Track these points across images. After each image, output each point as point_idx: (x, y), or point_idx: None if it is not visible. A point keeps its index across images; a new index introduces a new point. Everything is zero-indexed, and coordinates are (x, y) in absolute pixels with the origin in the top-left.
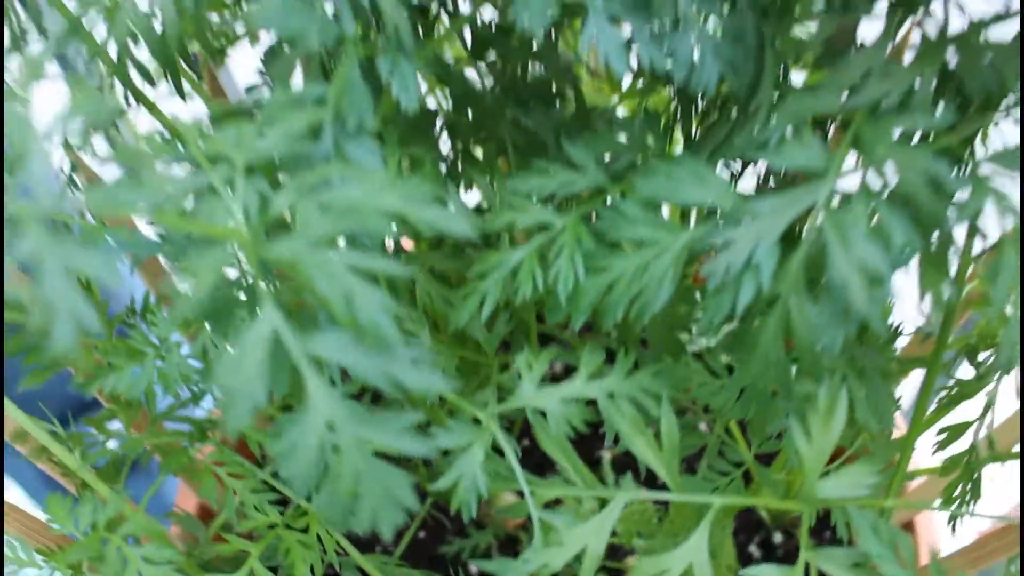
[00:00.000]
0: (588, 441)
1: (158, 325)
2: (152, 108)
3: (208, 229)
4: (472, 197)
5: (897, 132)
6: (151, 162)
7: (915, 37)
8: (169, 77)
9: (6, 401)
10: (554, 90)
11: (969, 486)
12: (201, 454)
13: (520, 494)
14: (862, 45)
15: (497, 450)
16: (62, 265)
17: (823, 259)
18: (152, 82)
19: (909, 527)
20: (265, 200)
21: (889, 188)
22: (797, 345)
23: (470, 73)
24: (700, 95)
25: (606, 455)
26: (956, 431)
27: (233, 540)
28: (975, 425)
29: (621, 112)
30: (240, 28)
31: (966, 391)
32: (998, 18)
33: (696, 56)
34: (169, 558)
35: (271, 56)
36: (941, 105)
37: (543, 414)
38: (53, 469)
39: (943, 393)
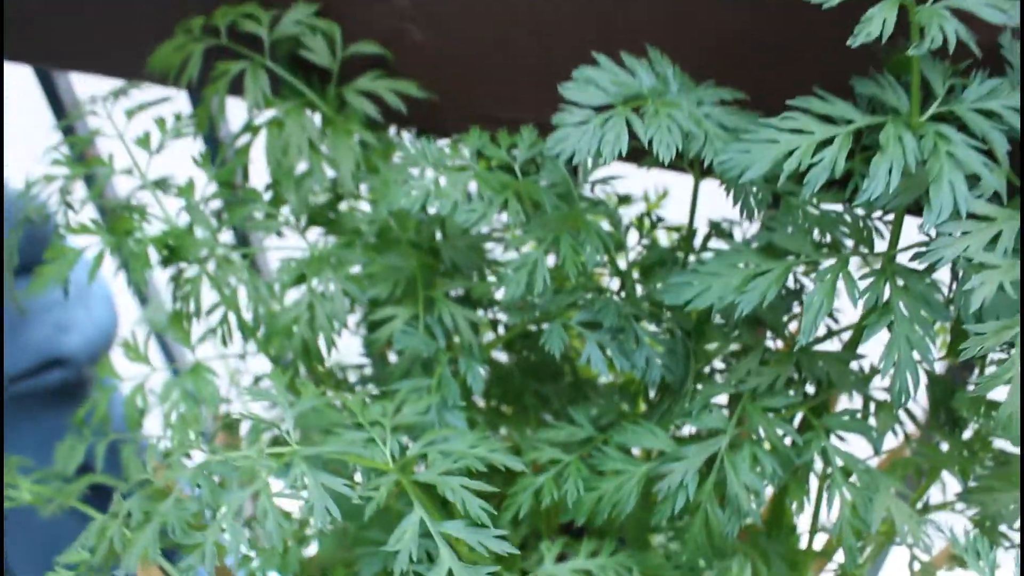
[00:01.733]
0: None
1: None
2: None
3: (376, 464)
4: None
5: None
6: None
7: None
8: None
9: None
10: (558, 367)
11: None
12: None
13: None
14: (747, 352)
15: None
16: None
17: (725, 481)
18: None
19: None
20: (404, 448)
21: (762, 439)
22: (712, 533)
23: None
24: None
25: None
26: None
27: None
28: None
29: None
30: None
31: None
32: (830, 333)
33: (647, 362)
34: None
35: (376, 356)
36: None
37: None
38: None
39: None
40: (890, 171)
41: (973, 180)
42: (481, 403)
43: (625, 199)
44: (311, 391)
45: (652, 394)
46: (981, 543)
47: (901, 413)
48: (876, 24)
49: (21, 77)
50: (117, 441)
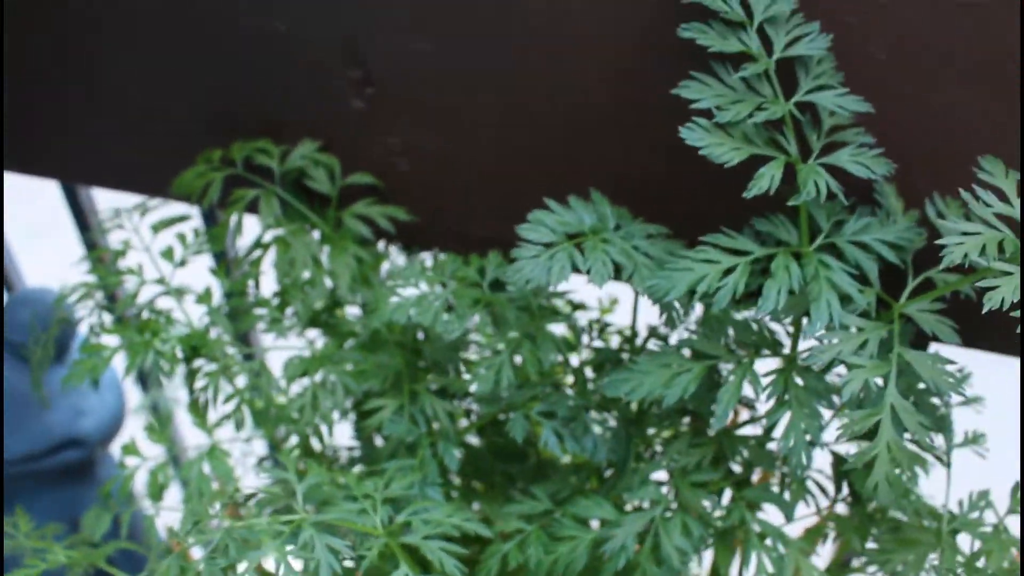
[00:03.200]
0: None
1: None
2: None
3: (368, 530)
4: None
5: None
6: (340, 501)
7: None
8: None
9: None
10: (521, 450)
11: None
12: None
13: None
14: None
15: None
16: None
17: (659, 544)
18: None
19: None
20: (392, 517)
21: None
22: None
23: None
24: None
25: None
26: None
27: None
28: None
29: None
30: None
31: None
32: (749, 420)
33: (594, 445)
34: None
35: (364, 439)
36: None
37: None
38: None
39: None
40: (779, 292)
41: (848, 299)
42: (457, 481)
43: (580, 306)
44: (316, 468)
45: (605, 473)
46: None
47: (816, 487)
48: (766, 180)
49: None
50: (136, 512)
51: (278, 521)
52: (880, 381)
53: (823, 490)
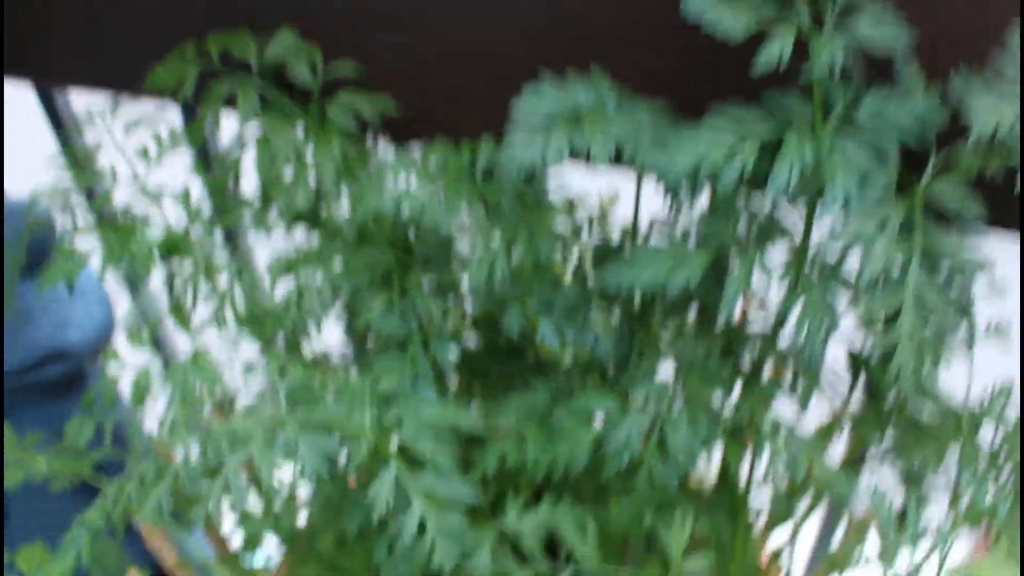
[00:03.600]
0: None
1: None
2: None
3: (357, 430)
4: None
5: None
6: (324, 395)
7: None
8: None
9: None
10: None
11: None
12: None
13: None
14: (684, 332)
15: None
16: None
17: (666, 440)
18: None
19: None
20: (382, 414)
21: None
22: (656, 486)
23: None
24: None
25: None
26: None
27: None
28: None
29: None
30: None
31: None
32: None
33: (595, 339)
34: None
35: (356, 339)
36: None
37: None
38: None
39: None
40: (791, 169)
41: (866, 179)
42: (455, 383)
43: (579, 201)
44: (299, 368)
45: (607, 372)
46: (912, 504)
47: (831, 386)
48: (776, 49)
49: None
50: (121, 420)
51: (260, 421)
52: (901, 263)
53: (837, 390)
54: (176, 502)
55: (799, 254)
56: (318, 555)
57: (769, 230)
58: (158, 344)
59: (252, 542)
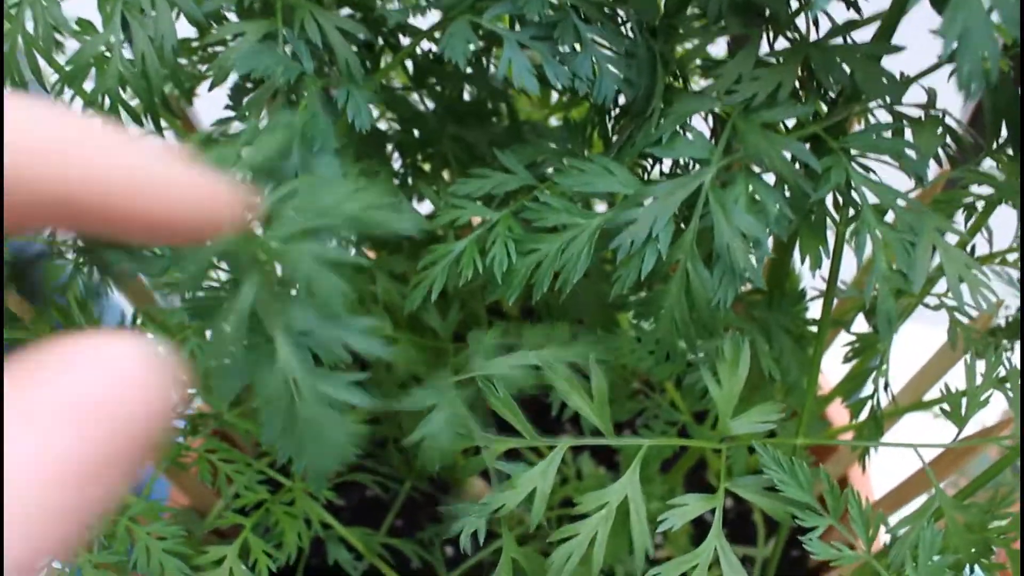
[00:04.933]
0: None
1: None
2: None
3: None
4: (424, 207)
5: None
6: None
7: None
8: (150, 116)
9: None
10: (489, 108)
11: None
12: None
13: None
14: (736, 53)
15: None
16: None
17: (710, 229)
18: (140, 122)
19: (843, 482)
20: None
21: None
22: (696, 303)
23: (416, 97)
24: (615, 105)
25: None
26: (860, 377)
27: (229, 516)
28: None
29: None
30: (204, 69)
31: (866, 344)
32: (852, 25)
33: (594, 70)
34: (174, 533)
35: (238, 92)
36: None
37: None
38: None
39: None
40: None
41: None
42: (397, 163)
43: None
44: None
45: (612, 127)
46: None
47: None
48: None
49: None
50: None
51: None
52: None
53: (956, 138)
54: None
55: None
56: None
57: None
58: None
59: None
